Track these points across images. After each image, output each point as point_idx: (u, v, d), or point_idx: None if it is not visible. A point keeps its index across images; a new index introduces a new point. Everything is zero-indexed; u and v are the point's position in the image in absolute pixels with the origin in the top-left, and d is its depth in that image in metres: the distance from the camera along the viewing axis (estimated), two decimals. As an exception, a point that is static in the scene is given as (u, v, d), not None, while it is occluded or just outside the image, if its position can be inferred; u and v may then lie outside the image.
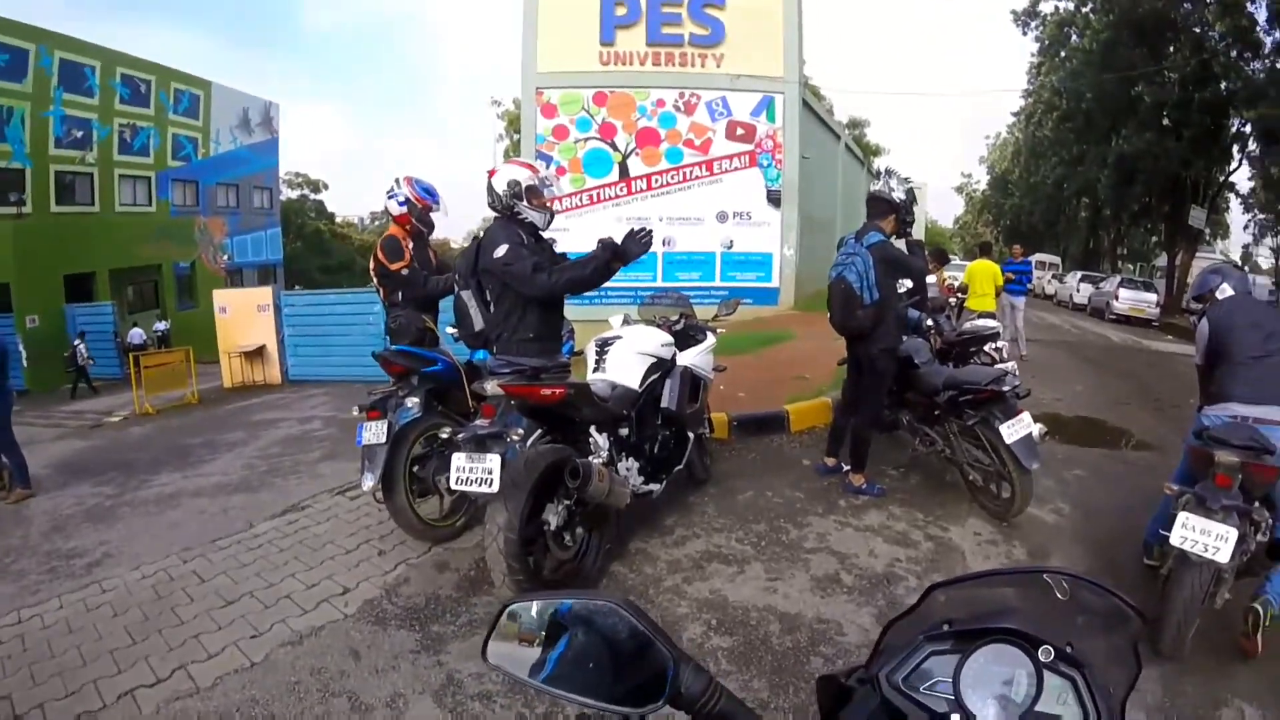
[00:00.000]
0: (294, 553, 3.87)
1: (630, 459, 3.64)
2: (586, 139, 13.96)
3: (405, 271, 4.48)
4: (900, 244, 4.56)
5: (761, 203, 14.04)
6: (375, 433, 3.62)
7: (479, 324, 3.65)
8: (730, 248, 14.05)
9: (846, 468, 4.71)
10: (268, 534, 4.18)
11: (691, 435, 4.16)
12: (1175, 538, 2.96)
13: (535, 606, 0.88)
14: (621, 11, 13.77)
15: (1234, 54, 19.52)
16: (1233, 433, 3.17)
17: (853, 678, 0.87)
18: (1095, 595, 0.88)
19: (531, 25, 13.83)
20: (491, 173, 3.64)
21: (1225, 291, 3.78)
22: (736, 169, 13.95)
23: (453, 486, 2.98)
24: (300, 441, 6.89)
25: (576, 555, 3.20)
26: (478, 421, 3.13)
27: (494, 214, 3.66)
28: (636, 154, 13.87)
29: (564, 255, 3.74)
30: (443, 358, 4.00)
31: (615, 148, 13.96)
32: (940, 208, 68.76)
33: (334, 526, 4.22)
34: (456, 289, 3.73)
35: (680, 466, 4.04)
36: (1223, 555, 2.88)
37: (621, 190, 13.95)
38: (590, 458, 3.26)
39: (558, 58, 13.76)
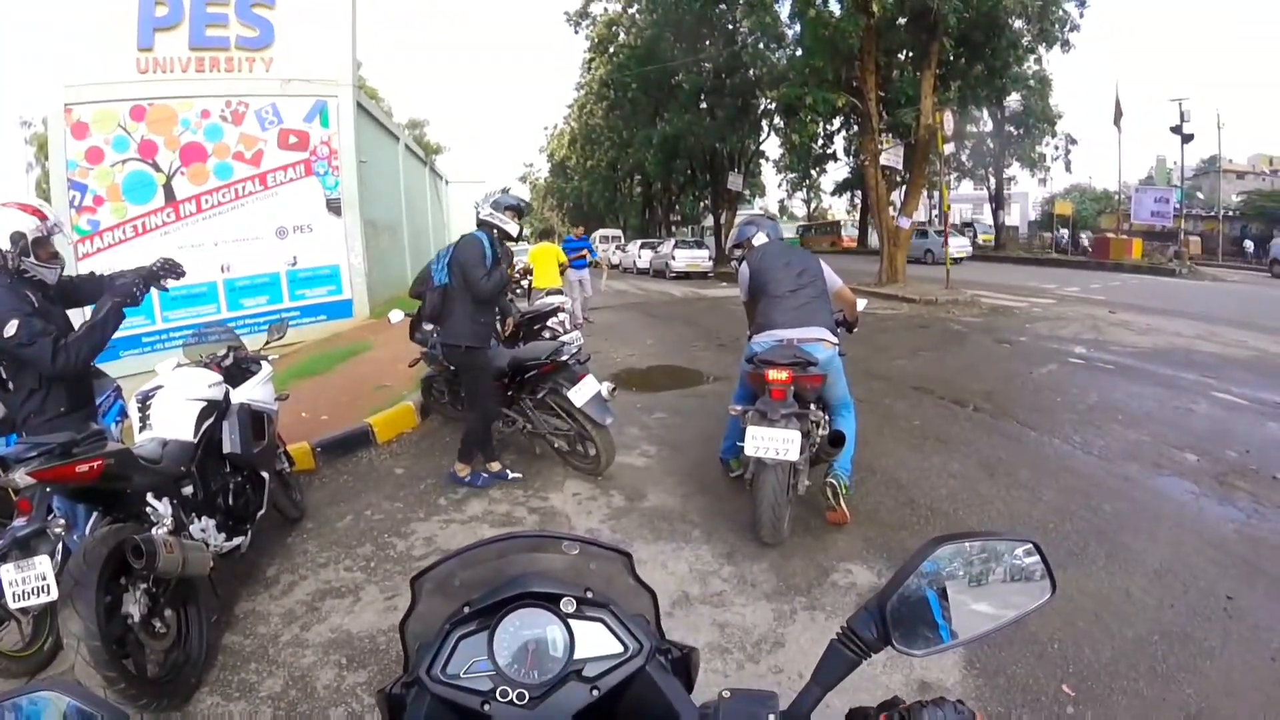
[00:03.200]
0: None
1: (203, 518, 3.60)
2: (125, 160, 12.67)
3: None
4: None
5: (322, 213, 13.99)
6: None
7: None
8: (295, 264, 13.79)
9: (483, 475, 5.25)
10: None
11: (268, 475, 4.20)
12: (749, 448, 3.85)
13: None
14: (162, 11, 12.70)
15: (760, 45, 24.48)
16: (779, 353, 4.14)
17: (397, 685, 0.96)
18: (589, 544, 1.07)
19: (58, 29, 12.15)
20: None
21: (760, 239, 4.85)
22: (292, 180, 13.73)
23: (10, 605, 2.79)
24: None
25: (178, 640, 3.13)
26: (15, 522, 2.95)
27: None
28: (182, 173, 12.93)
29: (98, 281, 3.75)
30: None
31: (158, 168, 12.88)
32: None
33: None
34: None
35: (263, 511, 4.09)
36: (792, 454, 3.79)
37: (169, 215, 12.92)
38: (153, 529, 3.17)
39: (89, 67, 12.20)
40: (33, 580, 2.77)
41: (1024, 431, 6.15)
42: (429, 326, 6.11)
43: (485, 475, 5.20)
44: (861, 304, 5.26)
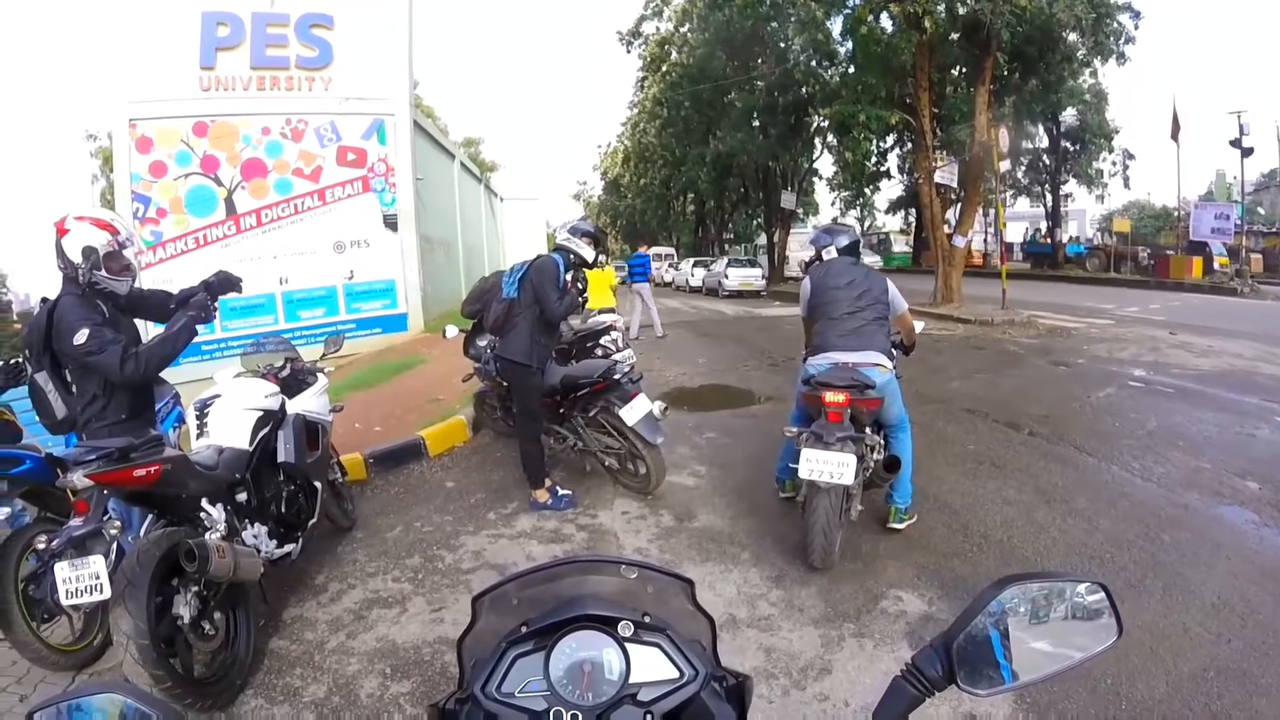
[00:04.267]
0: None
1: (256, 525, 3.66)
2: (188, 174, 13.05)
3: None
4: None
5: (379, 228, 14.22)
6: None
7: (60, 411, 3.48)
8: (351, 278, 14.06)
9: (559, 491, 5.14)
10: None
11: (320, 485, 4.26)
12: (803, 471, 3.78)
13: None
14: (224, 32, 13.05)
15: (813, 63, 24.56)
16: (836, 375, 4.06)
17: (450, 700, 0.97)
18: (649, 569, 1.07)
19: (123, 48, 12.60)
20: (61, 230, 3.41)
21: (830, 253, 4.71)
22: (350, 196, 14.00)
23: (63, 602, 2.85)
24: None
25: (226, 643, 3.19)
26: (72, 522, 3.02)
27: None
28: (243, 187, 13.26)
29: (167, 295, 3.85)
30: (29, 454, 3.69)
31: (220, 182, 13.23)
32: (561, 215, 76.78)
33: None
34: (29, 371, 3.50)
35: (315, 520, 4.14)
36: (847, 478, 3.73)
37: (230, 229, 13.26)
38: (207, 534, 3.24)
39: (153, 84, 12.62)
40: (86, 579, 2.84)
41: (1081, 457, 5.95)
42: (484, 341, 6.15)
43: (566, 495, 5.14)
44: (919, 326, 5.15)
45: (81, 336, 3.27)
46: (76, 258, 3.42)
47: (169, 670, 2.79)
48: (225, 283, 3.95)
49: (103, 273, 3.48)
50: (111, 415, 3.43)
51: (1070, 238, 36.16)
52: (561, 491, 5.12)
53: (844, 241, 4.77)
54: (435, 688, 3.13)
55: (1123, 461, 5.78)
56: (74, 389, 3.49)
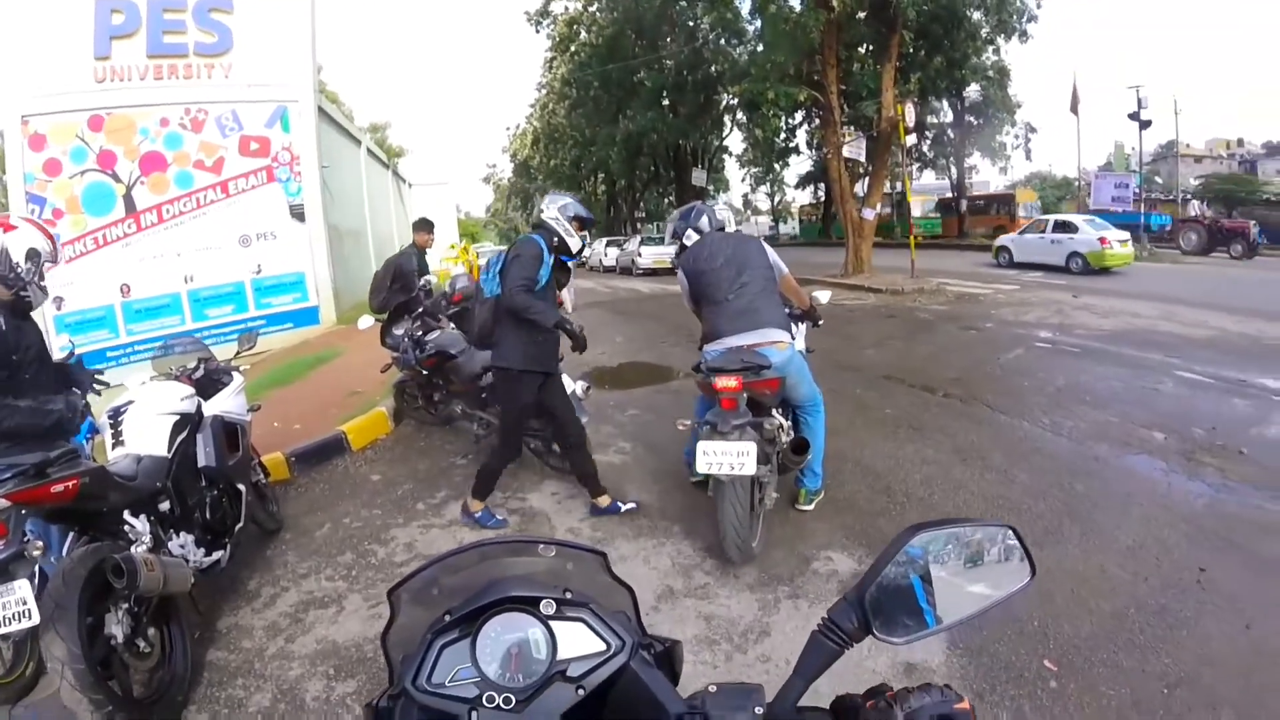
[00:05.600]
0: None
1: (182, 534, 3.56)
2: (84, 172, 12.51)
3: None
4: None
5: (285, 219, 13.90)
6: None
7: None
8: (260, 273, 13.69)
9: (620, 505, 4.68)
10: None
11: (244, 487, 4.17)
12: (701, 465, 3.58)
13: None
14: (119, 19, 12.50)
15: (722, 41, 24.59)
16: (728, 359, 3.86)
17: (384, 698, 0.97)
18: (564, 545, 1.09)
19: (12, 39, 11.95)
20: (7, 227, 3.32)
21: (691, 237, 4.51)
22: (254, 187, 13.64)
23: None
24: None
25: (163, 659, 3.10)
26: None
27: None
28: (142, 183, 12.77)
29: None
30: None
31: (118, 178, 12.72)
32: (471, 199, 75.72)
33: None
34: None
35: (242, 524, 4.05)
36: (748, 468, 3.53)
37: (130, 226, 12.74)
38: (132, 547, 3.15)
39: (45, 77, 12.03)
40: (13, 605, 2.71)
41: (994, 416, 6.27)
42: (400, 330, 6.09)
43: (496, 517, 4.67)
44: (825, 295, 5.17)
45: None
46: (19, 257, 3.34)
47: (108, 693, 2.69)
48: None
49: (35, 280, 3.43)
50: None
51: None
52: (498, 515, 4.69)
53: (703, 222, 4.56)
54: (380, 683, 3.09)
55: (1034, 418, 6.12)
56: None
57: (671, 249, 4.65)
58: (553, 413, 4.54)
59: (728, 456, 3.55)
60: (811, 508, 4.46)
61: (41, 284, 3.51)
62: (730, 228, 4.91)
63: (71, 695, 2.59)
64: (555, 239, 4.37)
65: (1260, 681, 2.84)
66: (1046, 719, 2.70)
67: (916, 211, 28.10)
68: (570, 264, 4.66)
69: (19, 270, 3.35)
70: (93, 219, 12.59)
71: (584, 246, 4.60)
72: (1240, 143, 60.19)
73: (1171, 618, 3.23)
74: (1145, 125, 24.11)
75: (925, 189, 45.82)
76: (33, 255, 3.38)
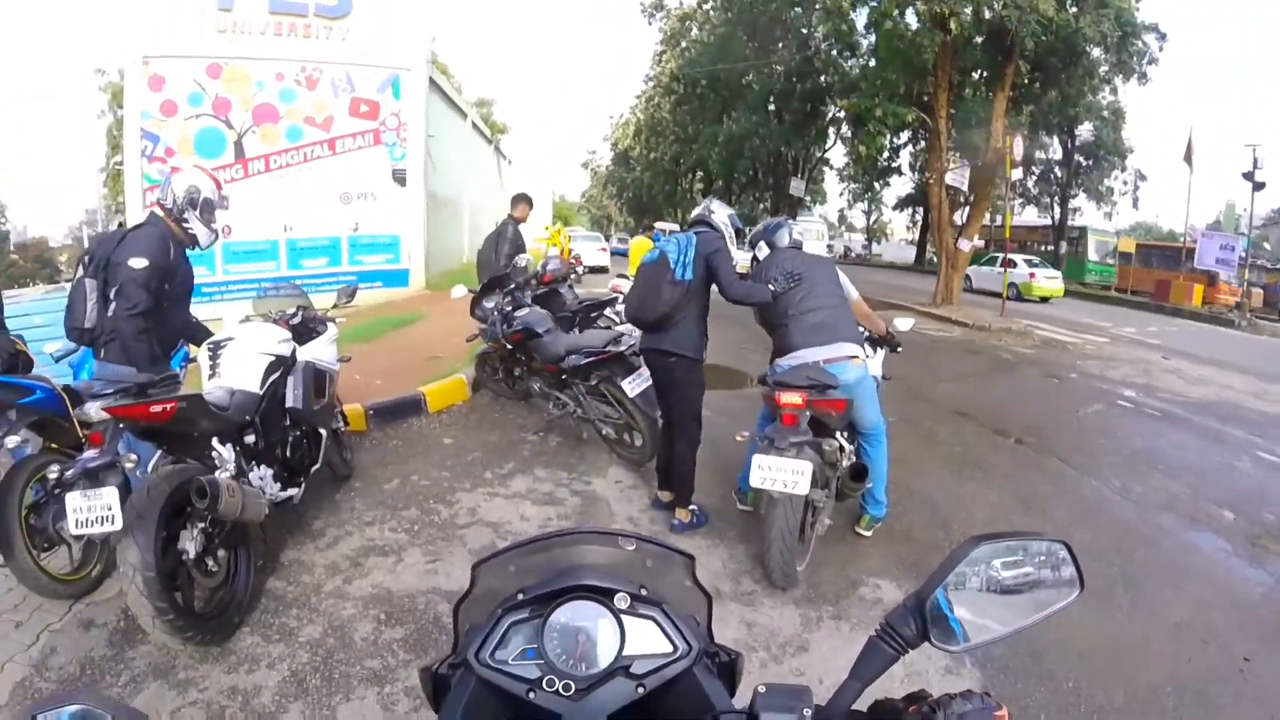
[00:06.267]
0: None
1: (262, 467, 3.74)
2: (199, 115, 12.99)
3: None
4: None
5: (387, 182, 14.23)
6: None
7: (90, 320, 3.64)
8: (356, 230, 14.08)
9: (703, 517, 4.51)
10: None
11: (324, 432, 4.33)
12: (754, 479, 3.50)
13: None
14: None
15: (834, 52, 24.58)
16: (795, 375, 3.79)
17: (444, 665, 0.98)
18: (649, 543, 1.07)
19: None
20: (175, 170, 3.77)
21: (763, 251, 4.47)
22: (360, 148, 14.00)
23: (73, 531, 2.90)
24: None
25: (226, 580, 3.25)
26: (86, 453, 3.06)
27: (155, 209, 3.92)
28: (253, 132, 13.24)
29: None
30: (41, 384, 3.73)
31: (230, 125, 13.20)
32: (568, 182, 76.65)
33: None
34: (81, 272, 3.72)
35: (318, 466, 4.21)
36: (801, 488, 3.42)
37: (238, 172, 13.16)
38: (216, 472, 3.30)
39: (169, 23, 12.54)
40: (99, 509, 2.89)
41: (1064, 469, 6.07)
42: (491, 303, 6.20)
43: (706, 514, 4.49)
44: (907, 323, 5.09)
45: (140, 263, 3.59)
46: (180, 192, 3.85)
47: (171, 603, 2.84)
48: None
49: (195, 213, 3.90)
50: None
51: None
52: (701, 511, 4.48)
53: (779, 236, 4.48)
54: (428, 635, 3.22)
55: (1103, 477, 5.88)
56: (111, 307, 3.64)
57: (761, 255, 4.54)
58: (687, 406, 4.43)
59: (782, 474, 3.45)
60: (870, 534, 4.40)
61: (205, 221, 3.99)
62: (823, 241, 4.87)
63: (137, 600, 2.76)
64: (720, 238, 4.34)
65: None
66: None
67: (1093, 255, 26.59)
68: None
69: (178, 201, 3.85)
70: (203, 160, 12.85)
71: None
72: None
73: (1207, 701, 3.11)
74: (1260, 187, 22.96)
75: (1025, 225, 44.78)
76: (192, 191, 3.86)
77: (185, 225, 3.95)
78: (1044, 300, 23.11)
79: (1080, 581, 0.95)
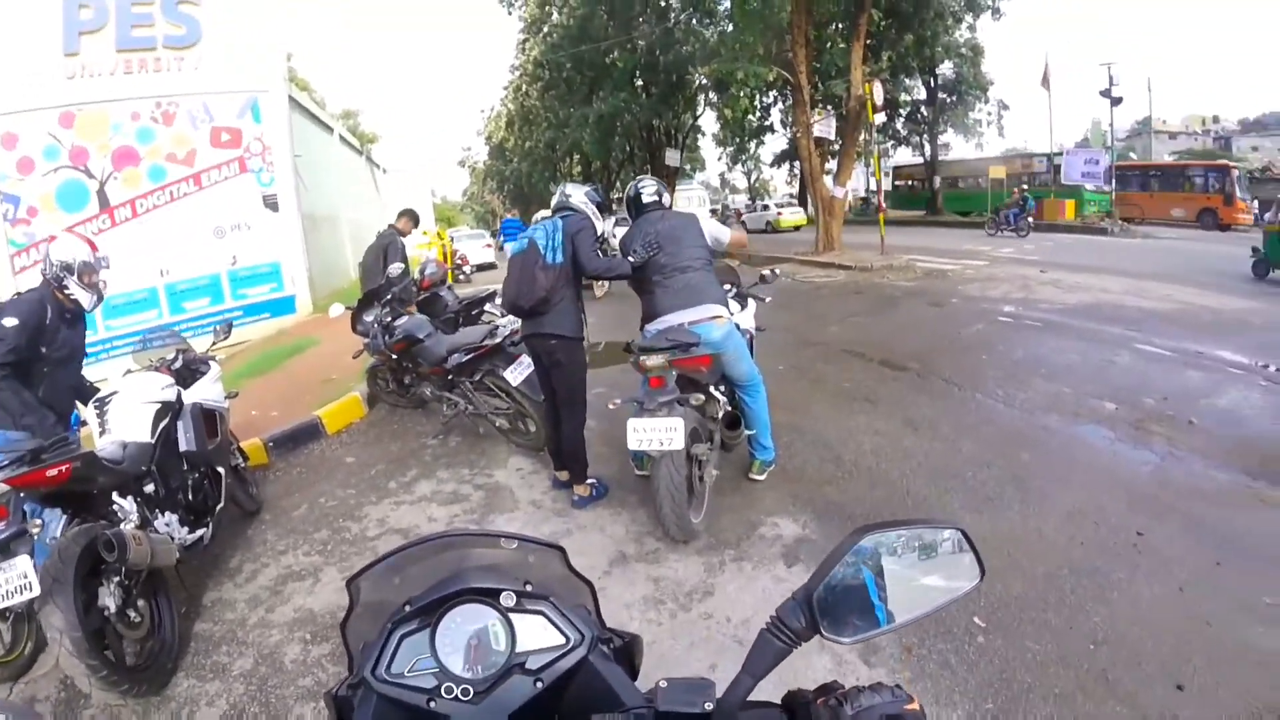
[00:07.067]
0: None
1: (166, 513, 3.80)
2: (57, 169, 12.48)
3: None
4: None
5: (259, 210, 13.97)
6: None
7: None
8: (235, 264, 13.76)
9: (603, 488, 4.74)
10: None
11: (223, 470, 4.40)
12: (631, 441, 3.69)
13: None
14: (86, 15, 12.51)
15: (693, 21, 24.85)
16: (658, 339, 3.96)
17: (343, 687, 0.98)
18: (521, 540, 1.10)
19: None
20: (51, 239, 4.19)
21: (626, 222, 4.68)
22: (227, 178, 13.70)
23: None
24: None
25: (152, 630, 3.33)
26: None
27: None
28: (115, 178, 12.81)
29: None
30: None
31: (91, 174, 12.70)
32: (446, 183, 75.40)
33: None
34: None
35: (222, 505, 4.28)
36: (676, 443, 3.62)
37: (104, 222, 12.75)
38: (121, 525, 3.38)
39: (14, 76, 12.03)
40: (15, 579, 2.92)
41: (949, 389, 6.49)
42: (370, 316, 6.30)
43: (602, 484, 4.74)
44: (777, 271, 5.47)
45: (10, 322, 4.01)
46: (55, 260, 4.19)
47: (103, 660, 2.93)
48: None
49: (74, 278, 4.22)
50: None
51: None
52: (600, 483, 4.74)
53: (641, 197, 4.62)
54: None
55: (987, 390, 6.35)
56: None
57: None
58: (571, 386, 4.61)
59: (656, 432, 3.65)
60: (763, 478, 4.66)
61: (86, 284, 4.25)
62: (705, 208, 5.09)
63: (70, 662, 2.83)
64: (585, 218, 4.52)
65: (1188, 640, 2.95)
66: (972, 671, 2.83)
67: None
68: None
69: (55, 268, 4.12)
70: (67, 216, 12.53)
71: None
72: (1216, 119, 60.92)
73: (1104, 579, 3.37)
74: (1117, 102, 24.31)
75: (901, 165, 46.15)
76: (68, 260, 4.15)
77: (66, 291, 4.22)
78: (796, 229, 30.74)
79: (980, 567, 0.94)
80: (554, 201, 4.79)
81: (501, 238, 16.75)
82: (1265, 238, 12.62)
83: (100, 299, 4.45)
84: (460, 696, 0.92)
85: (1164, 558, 3.56)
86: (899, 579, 0.91)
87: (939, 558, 0.94)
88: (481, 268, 18.36)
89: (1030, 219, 22.38)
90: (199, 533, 3.98)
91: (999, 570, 3.37)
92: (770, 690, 0.87)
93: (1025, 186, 24.06)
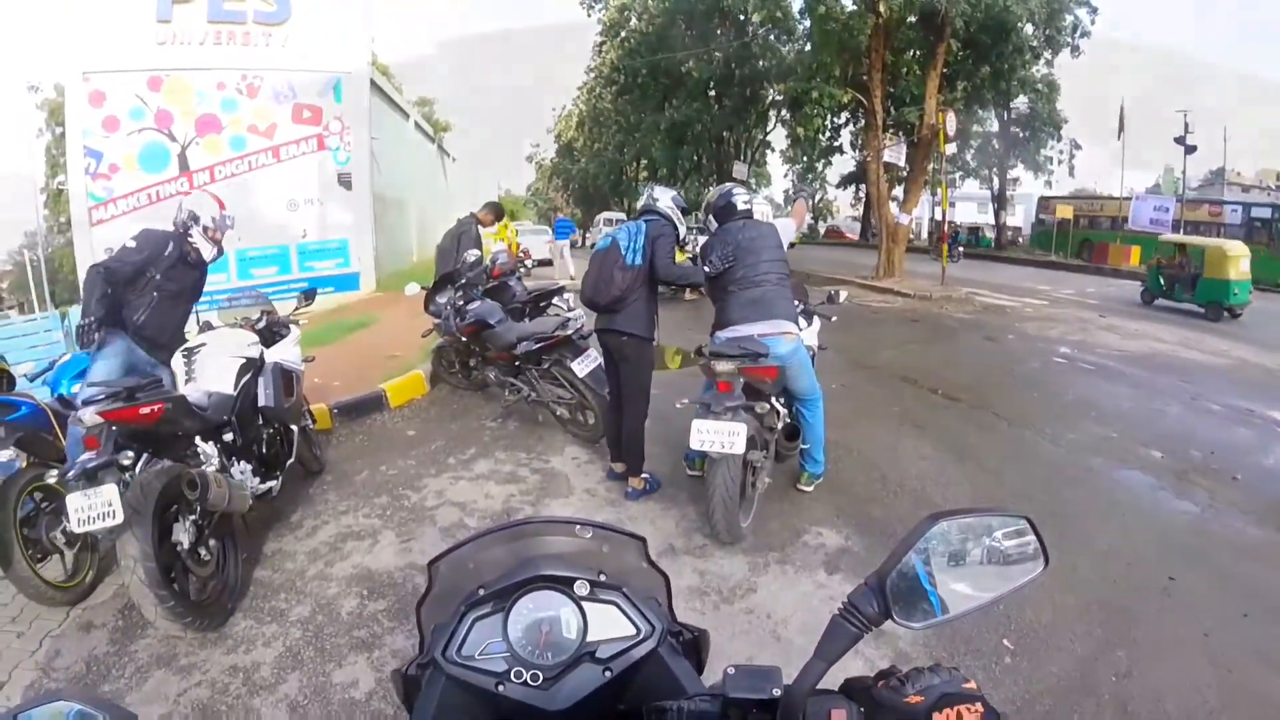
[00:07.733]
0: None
1: (242, 462, 3.98)
2: (141, 130, 13.00)
3: None
4: None
5: (333, 187, 14.36)
6: None
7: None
8: (305, 237, 14.17)
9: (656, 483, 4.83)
10: None
11: (295, 428, 4.59)
12: (694, 441, 3.81)
13: None
14: None
15: (771, 37, 24.93)
16: (728, 345, 4.10)
17: (413, 666, 0.99)
18: (602, 528, 1.10)
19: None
20: (186, 192, 4.23)
21: (712, 224, 4.71)
22: (304, 154, 14.10)
23: (75, 529, 3.06)
24: None
25: (217, 569, 3.49)
26: (83, 456, 3.23)
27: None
28: (197, 143, 13.29)
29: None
30: (26, 401, 3.95)
31: (173, 138, 13.21)
32: (513, 177, 76.25)
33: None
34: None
35: (292, 460, 4.48)
36: (737, 448, 3.74)
37: (183, 185, 13.11)
38: (202, 468, 3.55)
39: (107, 37, 12.48)
40: (99, 506, 3.06)
41: (998, 422, 6.46)
42: (444, 298, 6.47)
43: (657, 479, 4.84)
44: (844, 294, 5.49)
45: (132, 243, 4.50)
46: (184, 213, 4.65)
47: (171, 591, 3.09)
48: None
49: (198, 228, 4.64)
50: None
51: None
52: (654, 478, 4.84)
53: (730, 208, 4.64)
54: (409, 606, 3.46)
55: (1036, 427, 6.30)
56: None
57: (705, 238, 4.84)
58: (637, 382, 4.73)
59: (719, 435, 3.76)
60: (811, 489, 4.73)
61: (207, 239, 4.68)
62: (769, 220, 5.17)
63: (140, 590, 3.02)
64: (669, 224, 4.62)
65: (1208, 684, 2.98)
66: (996, 689, 2.85)
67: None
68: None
69: (182, 218, 4.56)
70: (147, 175, 13.05)
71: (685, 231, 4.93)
72: (1291, 174, 59.14)
73: (1132, 617, 3.42)
74: (1190, 150, 23.98)
75: (968, 197, 45.54)
76: (193, 213, 4.58)
77: (190, 240, 4.62)
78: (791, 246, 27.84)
79: (1045, 555, 0.95)
80: (640, 203, 4.91)
81: (553, 235, 17.66)
82: None
83: (220, 253, 4.84)
84: (529, 682, 0.93)
85: (1192, 603, 3.58)
86: (968, 565, 0.92)
87: (1006, 545, 0.94)
88: (541, 263, 18.64)
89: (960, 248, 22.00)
90: (269, 484, 4.16)
91: (1031, 598, 3.42)
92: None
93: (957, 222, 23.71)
